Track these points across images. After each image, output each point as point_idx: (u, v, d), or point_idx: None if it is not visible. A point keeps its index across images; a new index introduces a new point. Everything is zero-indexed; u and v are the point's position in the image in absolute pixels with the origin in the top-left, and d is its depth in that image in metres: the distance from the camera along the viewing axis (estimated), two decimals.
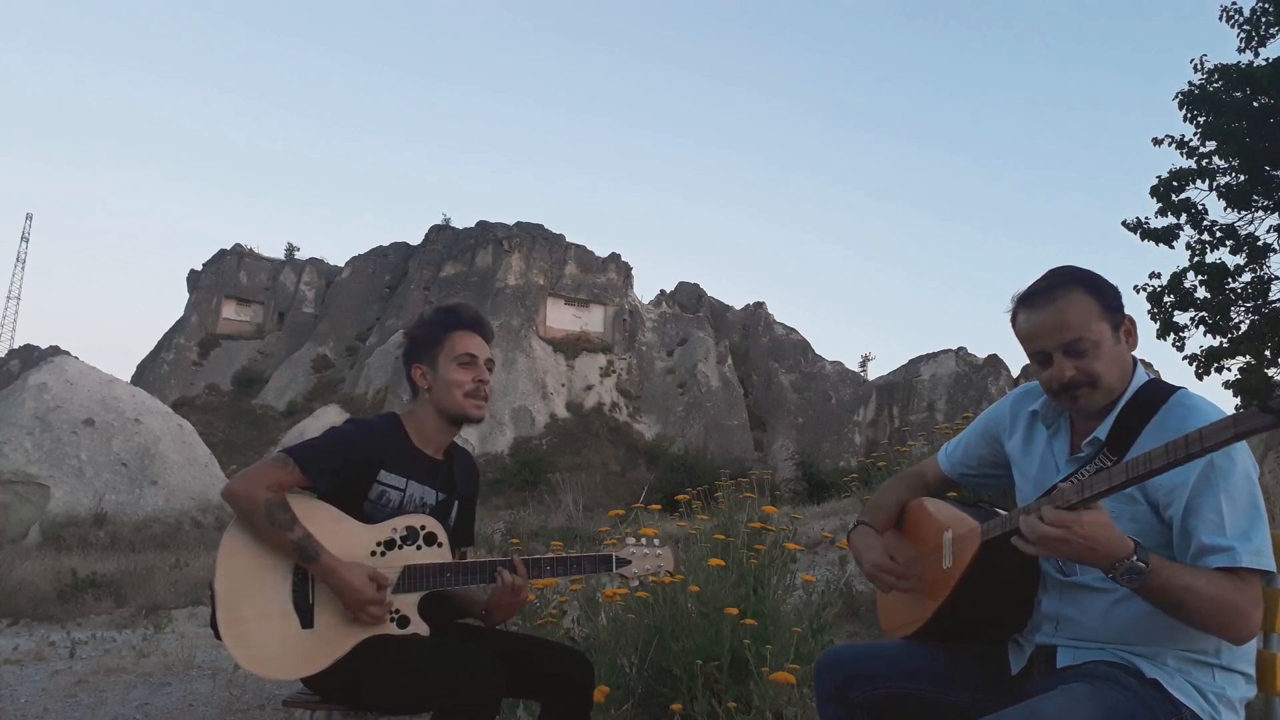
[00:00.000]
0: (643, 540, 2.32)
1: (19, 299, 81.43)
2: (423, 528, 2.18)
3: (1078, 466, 1.68)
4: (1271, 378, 12.03)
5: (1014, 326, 1.72)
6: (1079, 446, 1.70)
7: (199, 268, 55.33)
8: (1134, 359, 1.69)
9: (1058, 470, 1.73)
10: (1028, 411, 1.82)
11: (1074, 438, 1.74)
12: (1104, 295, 1.65)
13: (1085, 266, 1.70)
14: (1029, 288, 1.70)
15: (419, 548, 2.16)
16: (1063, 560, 1.66)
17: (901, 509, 2.00)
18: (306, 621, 2.06)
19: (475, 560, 2.22)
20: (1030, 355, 1.70)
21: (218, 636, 2.05)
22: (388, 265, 54.93)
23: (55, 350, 41.14)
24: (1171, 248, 12.47)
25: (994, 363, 46.72)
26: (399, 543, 2.14)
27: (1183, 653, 1.55)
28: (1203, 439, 1.29)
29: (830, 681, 1.83)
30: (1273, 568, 1.49)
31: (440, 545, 2.18)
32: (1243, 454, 1.53)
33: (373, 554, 2.12)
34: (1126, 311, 1.68)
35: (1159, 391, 1.64)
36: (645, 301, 53.84)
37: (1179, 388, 1.65)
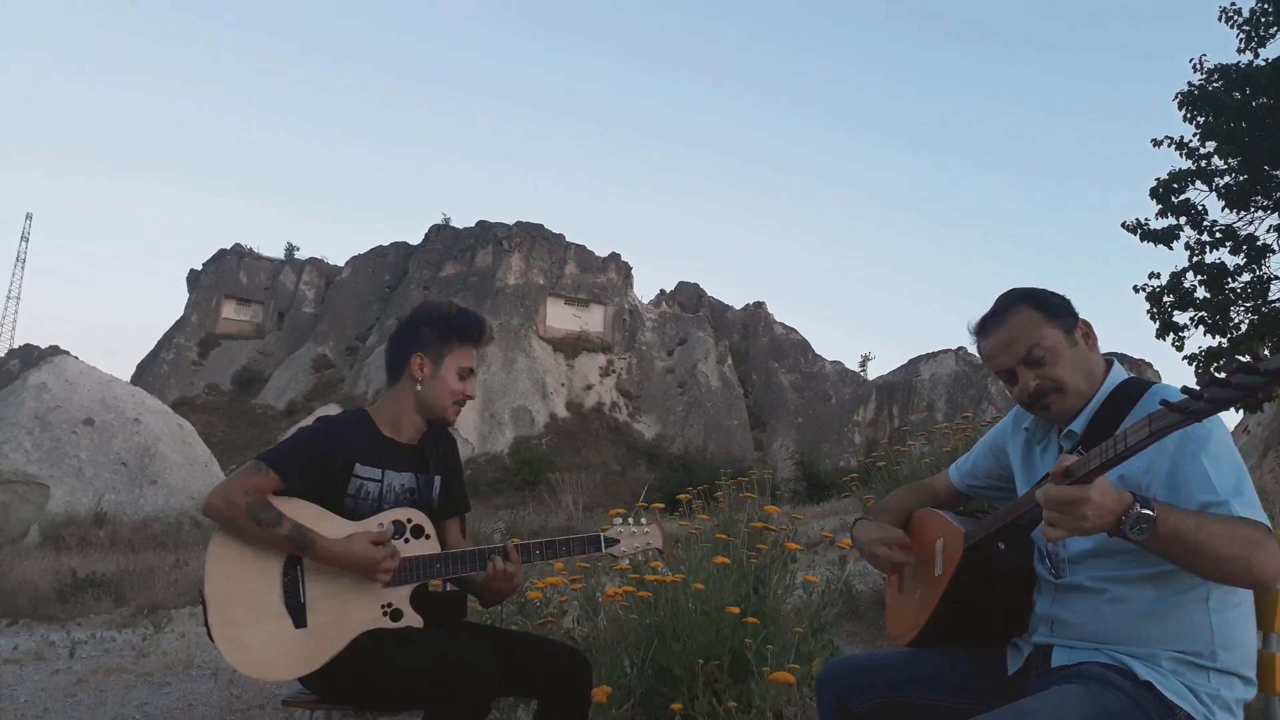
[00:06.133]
0: (630, 520, 2.33)
1: (19, 299, 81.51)
2: (409, 521, 2.19)
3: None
4: None
5: (980, 355, 1.83)
6: (1061, 448, 1.74)
7: (199, 267, 55.44)
8: (1108, 360, 1.74)
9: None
10: (1023, 428, 1.87)
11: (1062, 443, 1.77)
12: (1047, 305, 1.74)
13: (1035, 285, 1.81)
14: (981, 317, 1.81)
15: (406, 541, 2.17)
16: (1055, 558, 1.68)
17: (908, 517, 2.02)
18: (299, 621, 2.07)
19: (466, 549, 2.22)
20: (998, 376, 1.79)
21: (212, 641, 2.05)
22: (388, 265, 54.97)
23: (55, 350, 41.17)
24: (1171, 248, 12.47)
25: None
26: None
27: (1177, 654, 1.55)
28: (1126, 438, 1.32)
29: (831, 693, 1.84)
30: (1267, 522, 1.48)
31: (428, 537, 2.19)
32: (1218, 425, 1.55)
33: None
34: (1081, 317, 1.74)
35: (1136, 387, 1.68)
36: (645, 301, 53.87)
37: (1156, 383, 1.69)
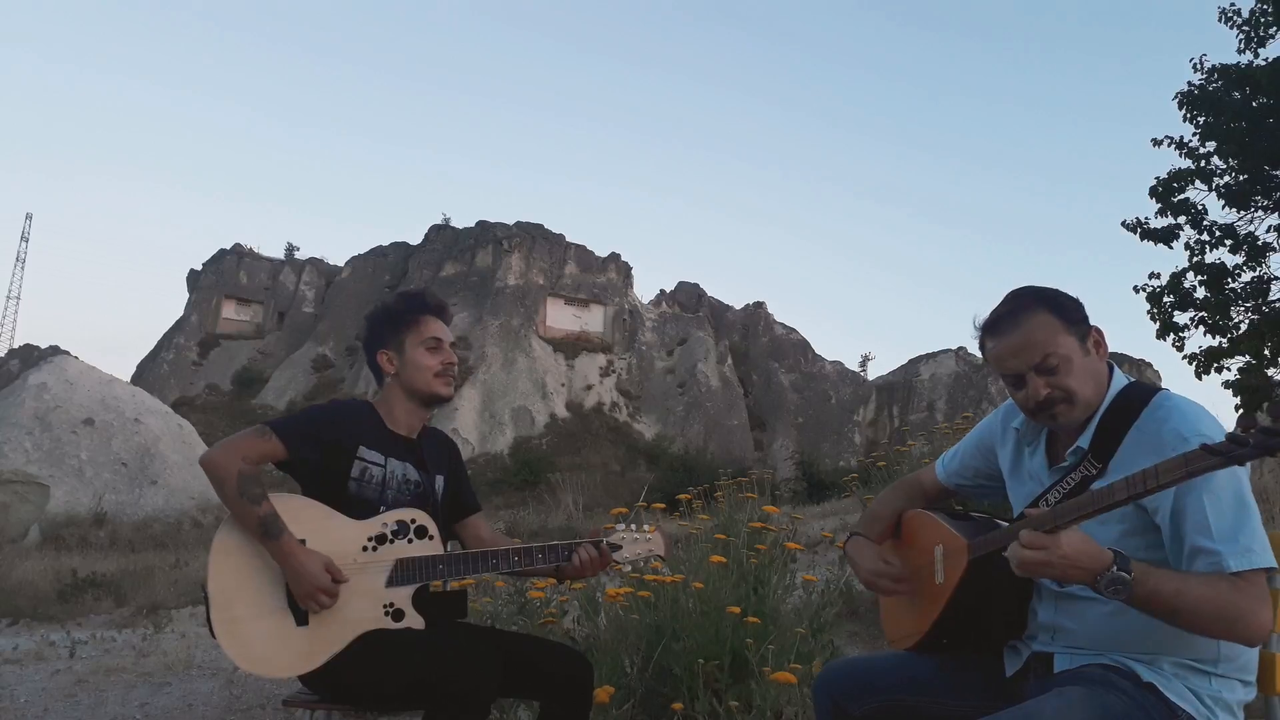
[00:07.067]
0: (632, 526, 2.34)
1: (19, 299, 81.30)
2: (413, 521, 2.20)
3: (1060, 476, 1.69)
4: (1271, 377, 12.03)
5: (984, 353, 1.74)
6: (1062, 456, 1.71)
7: (199, 267, 55.36)
8: (1110, 366, 1.70)
9: (1040, 485, 1.74)
10: (1012, 428, 1.84)
11: (1054, 448, 1.75)
12: (1066, 311, 1.67)
13: (1046, 285, 1.73)
14: (992, 314, 1.72)
15: (410, 541, 2.18)
16: None
17: (898, 520, 2.00)
18: (301, 619, 2.07)
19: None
20: (1003, 378, 1.72)
21: (214, 637, 2.05)
22: (388, 265, 54.91)
23: (55, 350, 41.12)
24: (1170, 248, 12.48)
25: None
26: (390, 537, 2.16)
27: (1179, 660, 1.55)
28: (1159, 475, 1.34)
29: (829, 697, 1.83)
30: (1268, 564, 1.47)
31: (431, 538, 2.20)
32: None
33: (364, 549, 2.13)
34: (1092, 323, 1.69)
35: (1139, 394, 1.64)
36: (645, 301, 53.84)
37: (1159, 389, 1.65)
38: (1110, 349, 1.72)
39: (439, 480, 2.36)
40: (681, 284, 56.26)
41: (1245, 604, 1.43)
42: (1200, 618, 1.43)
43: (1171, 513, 1.51)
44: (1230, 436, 1.23)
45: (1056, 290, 1.71)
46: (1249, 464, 1.55)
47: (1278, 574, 1.60)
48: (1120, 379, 1.69)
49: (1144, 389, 1.66)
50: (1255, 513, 1.50)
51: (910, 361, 50.99)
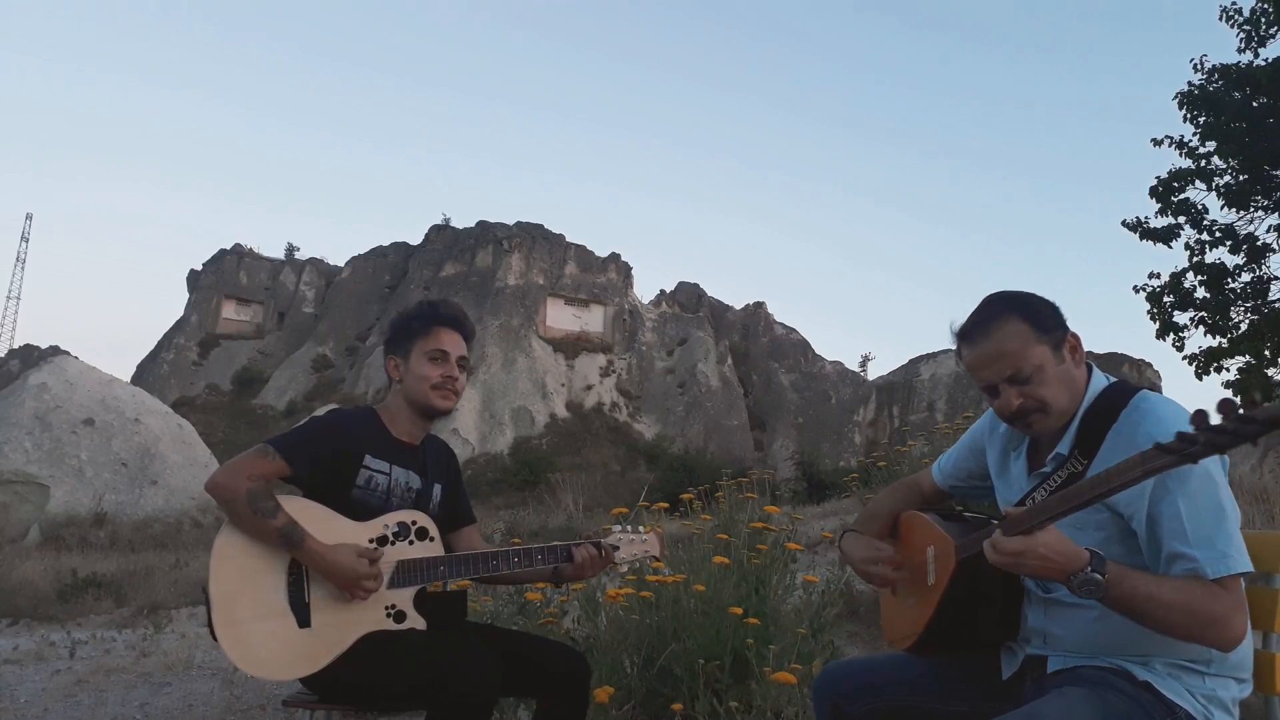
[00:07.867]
0: (628, 527, 2.36)
1: (19, 299, 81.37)
2: (414, 523, 2.20)
3: (1039, 481, 1.69)
4: (1271, 377, 12.04)
5: (960, 360, 1.73)
6: (1043, 461, 1.70)
7: (199, 268, 55.39)
8: (1088, 368, 1.69)
9: (1022, 489, 1.74)
10: (999, 431, 1.84)
11: (1035, 454, 1.75)
12: (1039, 318, 1.63)
13: (1019, 289, 1.70)
14: (965, 321, 1.70)
15: (411, 543, 2.18)
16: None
17: (895, 520, 2.00)
18: (304, 620, 2.07)
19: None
20: (979, 387, 1.70)
21: (215, 639, 2.05)
22: (388, 265, 54.92)
23: (55, 350, 41.19)
24: (1170, 247, 12.49)
25: None
26: (391, 539, 2.17)
27: (1172, 660, 1.55)
28: (1119, 475, 1.33)
29: (829, 699, 1.83)
30: (1243, 568, 1.46)
31: (432, 539, 2.21)
32: None
33: None
34: (1069, 328, 1.66)
35: (1119, 395, 1.63)
36: (645, 301, 53.84)
37: (1139, 389, 1.64)
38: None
39: (436, 489, 2.37)
40: (681, 284, 56.29)
41: (1219, 609, 1.43)
42: (1172, 622, 1.43)
43: (1147, 518, 1.50)
44: (1180, 435, 1.22)
45: (1031, 295, 1.68)
46: (1226, 469, 1.54)
47: (1277, 577, 1.60)
48: (1100, 380, 1.68)
49: (1124, 389, 1.65)
50: (1232, 517, 1.49)
51: (910, 361, 50.98)
